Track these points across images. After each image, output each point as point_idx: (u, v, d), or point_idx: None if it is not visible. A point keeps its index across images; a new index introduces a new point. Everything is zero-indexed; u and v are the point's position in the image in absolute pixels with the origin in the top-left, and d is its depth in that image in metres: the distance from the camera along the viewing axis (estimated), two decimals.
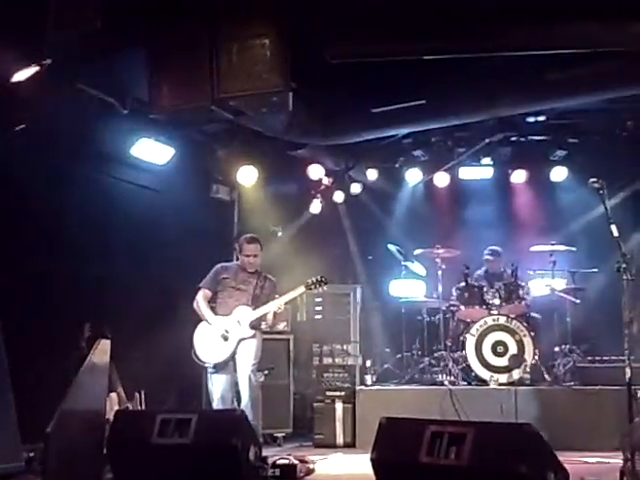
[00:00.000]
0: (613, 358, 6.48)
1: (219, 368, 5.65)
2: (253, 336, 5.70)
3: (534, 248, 7.38)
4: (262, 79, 4.78)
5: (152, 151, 6.38)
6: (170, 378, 6.59)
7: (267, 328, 6.12)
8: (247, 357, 5.67)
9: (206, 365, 5.67)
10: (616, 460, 4.18)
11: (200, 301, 5.80)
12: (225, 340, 5.65)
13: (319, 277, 5.77)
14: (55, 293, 5.63)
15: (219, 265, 6.02)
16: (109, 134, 5.99)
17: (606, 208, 4.48)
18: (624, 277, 4.29)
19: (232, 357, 5.66)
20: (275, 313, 5.73)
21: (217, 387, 5.67)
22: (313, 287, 5.77)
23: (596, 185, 4.54)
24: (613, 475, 3.93)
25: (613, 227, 4.43)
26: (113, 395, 5.59)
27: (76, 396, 4.29)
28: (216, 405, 5.67)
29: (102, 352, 4.60)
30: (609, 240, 4.44)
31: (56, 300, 5.61)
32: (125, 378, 5.79)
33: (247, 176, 7.53)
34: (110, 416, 4.66)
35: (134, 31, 4.93)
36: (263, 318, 5.77)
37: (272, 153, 7.42)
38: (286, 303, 5.81)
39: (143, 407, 5.94)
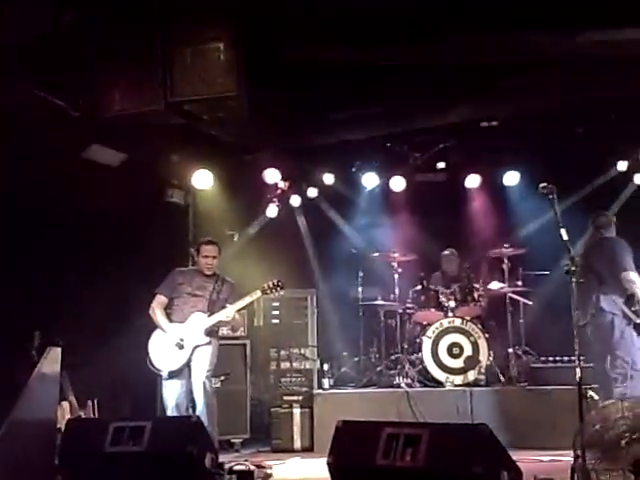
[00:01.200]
0: (565, 359, 6.63)
1: (173, 375, 5.59)
2: (208, 343, 5.65)
3: (489, 252, 7.51)
4: (217, 83, 4.76)
5: (104, 155, 6.27)
6: (123, 386, 6.48)
7: (229, 333, 6.07)
8: (202, 364, 5.61)
9: (161, 373, 5.60)
10: (568, 458, 4.26)
11: (155, 308, 5.74)
12: (180, 349, 5.59)
13: (275, 281, 5.75)
14: (3, 300, 5.48)
15: (176, 270, 5.96)
16: (60, 137, 5.87)
17: (556, 212, 4.55)
18: (572, 279, 4.38)
19: (187, 364, 5.61)
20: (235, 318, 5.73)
21: (171, 394, 5.61)
22: (269, 291, 5.75)
23: (545, 190, 4.62)
24: (565, 472, 4.00)
25: (563, 231, 4.51)
26: (65, 404, 5.47)
27: (26, 405, 4.20)
28: (170, 412, 5.60)
29: (53, 360, 4.50)
30: (559, 243, 4.53)
31: (4, 307, 5.47)
32: (77, 386, 5.67)
33: (202, 180, 7.47)
34: (62, 425, 4.57)
35: (85, 33, 4.85)
36: (221, 324, 5.73)
37: (227, 157, 7.38)
38: (242, 308, 5.79)
39: (96, 415, 5.83)
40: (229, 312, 5.64)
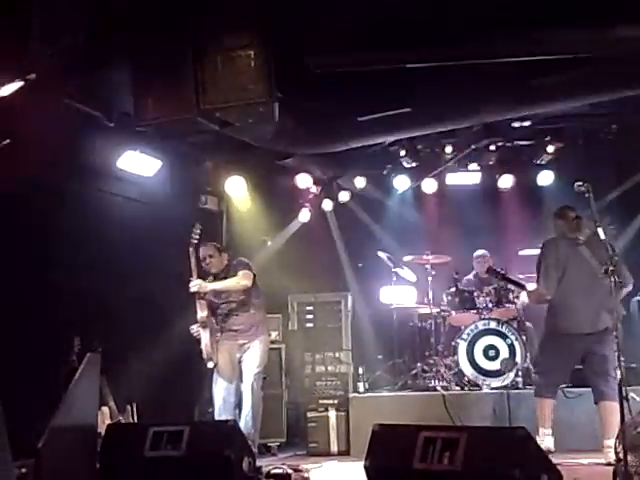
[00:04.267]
0: None
1: (222, 373, 5.72)
2: (259, 341, 5.76)
3: (522, 252, 7.41)
4: (247, 90, 4.79)
5: (139, 163, 6.37)
6: (162, 391, 6.56)
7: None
8: (251, 363, 5.73)
9: (209, 366, 5.73)
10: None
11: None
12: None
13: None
14: (44, 307, 5.59)
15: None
16: (95, 147, 5.97)
17: (592, 211, 4.51)
18: (612, 279, 4.31)
19: (238, 363, 5.74)
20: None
21: (219, 392, 5.72)
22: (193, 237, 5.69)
23: (582, 188, 4.57)
24: (606, 476, 3.93)
25: (600, 230, 4.46)
26: (104, 409, 5.56)
27: (67, 411, 4.26)
28: (217, 410, 5.70)
29: (92, 366, 4.57)
30: None
31: (45, 314, 5.58)
32: (116, 392, 5.76)
33: (235, 186, 7.54)
34: (102, 430, 4.64)
35: (118, 43, 4.93)
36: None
37: (260, 163, 7.43)
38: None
39: (135, 420, 5.91)
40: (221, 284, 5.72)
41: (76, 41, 4.51)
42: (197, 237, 5.70)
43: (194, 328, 5.71)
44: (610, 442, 4.72)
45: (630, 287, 5.44)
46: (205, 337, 5.66)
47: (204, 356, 5.68)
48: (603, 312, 5.12)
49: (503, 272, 6.29)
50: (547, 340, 5.60)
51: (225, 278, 5.82)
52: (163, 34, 4.98)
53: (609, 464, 4.71)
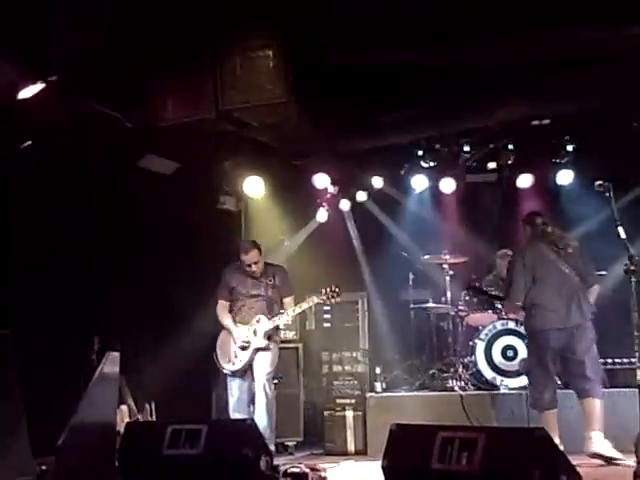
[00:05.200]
0: (624, 361, 6.45)
1: (237, 375, 5.83)
2: (268, 346, 5.81)
3: None
4: (266, 90, 4.82)
5: (158, 164, 6.41)
6: (180, 389, 6.60)
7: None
8: (263, 366, 5.80)
9: (225, 371, 5.86)
10: (629, 462, 4.16)
11: (220, 312, 5.96)
12: (243, 350, 5.80)
13: (333, 287, 5.81)
14: (64, 306, 5.65)
15: (225, 271, 6.10)
16: (114, 148, 6.02)
17: (613, 210, 4.48)
18: (632, 279, 4.28)
19: (249, 365, 5.80)
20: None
21: (234, 393, 5.85)
22: (326, 298, 5.80)
23: (602, 188, 4.54)
24: (625, 478, 3.90)
25: (620, 229, 4.42)
26: (123, 407, 5.62)
27: (86, 409, 4.29)
28: (232, 411, 5.80)
29: (112, 364, 4.60)
30: (617, 242, 4.43)
31: (65, 313, 5.64)
32: (135, 390, 5.81)
33: (253, 186, 7.57)
34: (121, 428, 4.68)
35: (138, 45, 4.96)
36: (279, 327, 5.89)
37: (278, 163, 7.45)
38: (299, 314, 5.92)
39: (153, 419, 5.95)
40: (287, 319, 5.84)
41: (97, 43, 4.55)
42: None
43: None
44: (594, 434, 5.01)
45: (596, 287, 5.65)
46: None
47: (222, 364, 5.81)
48: (574, 308, 5.38)
49: (481, 288, 6.79)
50: (530, 346, 5.76)
51: (261, 279, 5.91)
52: (182, 35, 5.02)
53: (594, 455, 5.01)
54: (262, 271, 5.97)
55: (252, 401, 5.92)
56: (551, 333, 5.40)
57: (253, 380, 5.83)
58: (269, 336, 5.80)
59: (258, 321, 5.80)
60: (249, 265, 5.92)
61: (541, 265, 5.50)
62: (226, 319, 5.90)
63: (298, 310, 5.84)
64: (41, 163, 5.31)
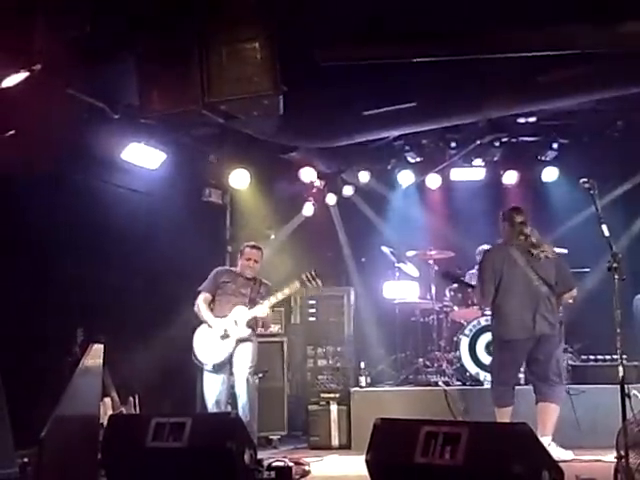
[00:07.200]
0: (607, 357, 6.51)
1: (217, 369, 5.74)
2: (250, 338, 5.79)
3: None
4: (252, 82, 4.78)
5: (143, 155, 6.37)
6: (164, 382, 6.58)
7: (261, 330, 6.15)
8: (244, 359, 5.75)
9: (205, 367, 5.75)
10: (610, 458, 4.20)
11: (201, 304, 5.90)
12: (223, 339, 5.73)
13: (313, 271, 5.82)
14: (47, 298, 5.61)
15: (219, 268, 6.15)
16: (100, 139, 5.97)
17: (597, 208, 4.49)
18: (615, 276, 4.30)
19: (230, 359, 5.74)
20: (268, 315, 5.85)
21: (213, 389, 5.76)
22: (307, 282, 5.80)
23: (586, 185, 4.56)
24: (607, 473, 3.93)
25: (604, 227, 4.44)
26: (107, 400, 5.59)
27: (70, 401, 4.27)
28: (211, 408, 5.74)
29: (95, 357, 4.58)
30: (601, 240, 4.46)
31: (48, 305, 5.59)
32: (118, 383, 5.78)
33: (239, 179, 7.54)
34: (104, 421, 4.65)
35: (123, 35, 4.92)
36: (259, 320, 5.81)
37: (264, 156, 7.42)
38: (281, 301, 5.92)
39: (137, 411, 5.93)
40: (276, 299, 5.81)
41: (82, 32, 4.50)
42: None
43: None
44: (544, 439, 4.87)
45: (574, 292, 5.60)
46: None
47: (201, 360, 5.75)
48: (539, 318, 5.30)
49: (454, 274, 6.71)
50: (495, 347, 5.73)
51: (250, 281, 5.96)
52: (169, 26, 4.97)
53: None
54: (254, 275, 6.01)
55: (232, 401, 5.87)
56: (516, 343, 5.38)
57: (231, 374, 5.76)
58: (250, 325, 5.77)
59: (238, 311, 5.77)
60: (249, 259, 5.97)
61: (508, 270, 5.38)
62: (205, 311, 5.85)
63: (280, 296, 5.82)
64: (23, 153, 5.24)
